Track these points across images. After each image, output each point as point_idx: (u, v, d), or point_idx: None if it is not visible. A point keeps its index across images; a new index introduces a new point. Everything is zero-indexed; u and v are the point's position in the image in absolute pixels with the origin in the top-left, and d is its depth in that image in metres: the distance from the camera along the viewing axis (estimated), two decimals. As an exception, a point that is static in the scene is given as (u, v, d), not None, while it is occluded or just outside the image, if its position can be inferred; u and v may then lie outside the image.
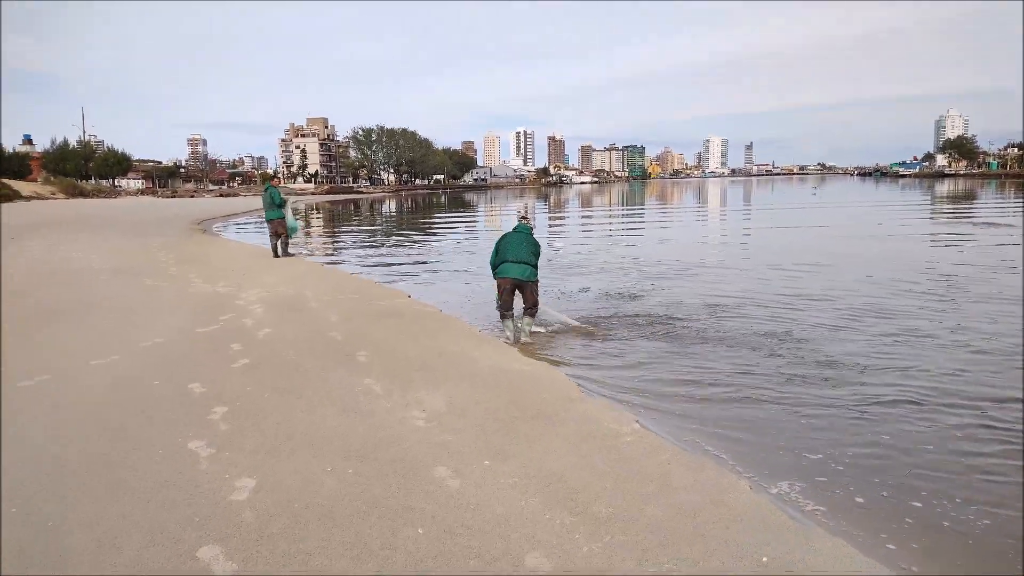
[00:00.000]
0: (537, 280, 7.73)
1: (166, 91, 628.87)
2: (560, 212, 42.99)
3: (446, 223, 32.86)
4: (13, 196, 57.95)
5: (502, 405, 4.69)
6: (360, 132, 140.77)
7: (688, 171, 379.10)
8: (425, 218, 38.40)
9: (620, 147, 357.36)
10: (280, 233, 14.85)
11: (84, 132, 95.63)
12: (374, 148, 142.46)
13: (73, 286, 10.25)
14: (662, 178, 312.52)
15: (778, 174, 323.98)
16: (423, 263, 15.13)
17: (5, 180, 64.81)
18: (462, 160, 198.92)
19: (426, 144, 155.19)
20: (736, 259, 14.21)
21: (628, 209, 43.68)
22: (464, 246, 19.50)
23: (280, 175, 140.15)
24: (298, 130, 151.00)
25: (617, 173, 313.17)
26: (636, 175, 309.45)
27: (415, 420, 4.41)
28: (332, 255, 17.81)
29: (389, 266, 14.79)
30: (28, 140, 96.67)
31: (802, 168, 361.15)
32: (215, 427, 4.32)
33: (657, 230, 24.09)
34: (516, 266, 7.66)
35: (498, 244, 7.67)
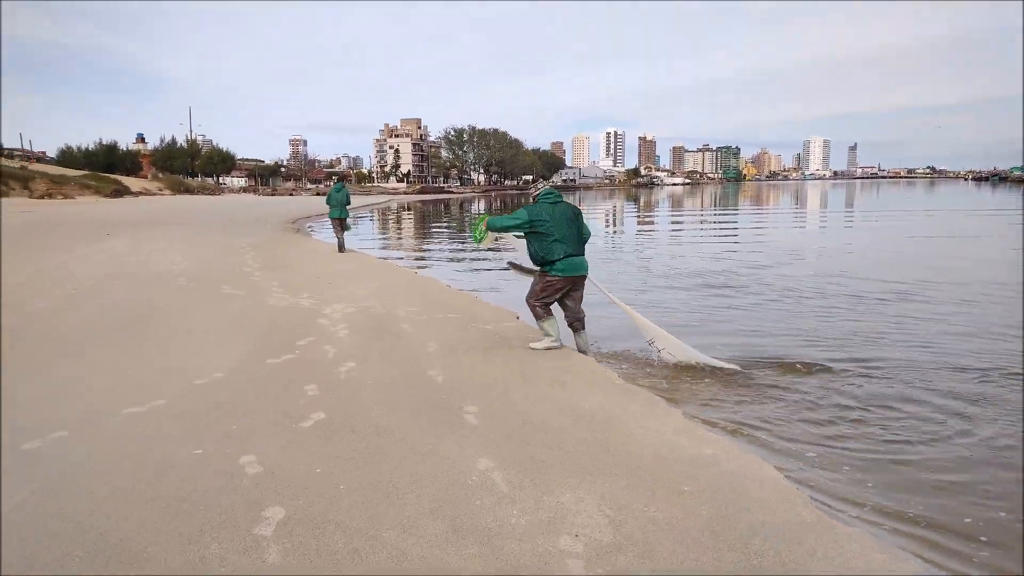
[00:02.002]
0: None
1: (271, 94, 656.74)
2: (651, 213, 40.68)
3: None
4: (124, 191, 60.59)
5: (698, 532, 2.99)
6: (452, 132, 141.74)
7: (786, 173, 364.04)
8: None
9: (714, 148, 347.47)
10: (343, 229, 15.92)
11: (191, 131, 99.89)
12: (465, 148, 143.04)
13: (138, 295, 9.22)
14: (757, 180, 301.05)
15: (884, 177, 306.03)
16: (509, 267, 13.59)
17: (117, 176, 68.12)
18: (551, 161, 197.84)
19: (516, 144, 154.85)
20: (874, 270, 11.93)
21: (723, 211, 40.80)
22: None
23: (374, 174, 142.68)
24: (392, 130, 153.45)
25: (710, 175, 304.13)
26: (730, 177, 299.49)
27: (567, 560, 2.78)
28: (422, 258, 16.52)
29: (477, 271, 13.30)
30: (140, 138, 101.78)
31: (910, 171, 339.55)
32: (262, 549, 2.83)
33: (768, 233, 21.67)
34: (580, 259, 6.27)
35: (535, 222, 6.14)
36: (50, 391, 5.00)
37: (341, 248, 15.80)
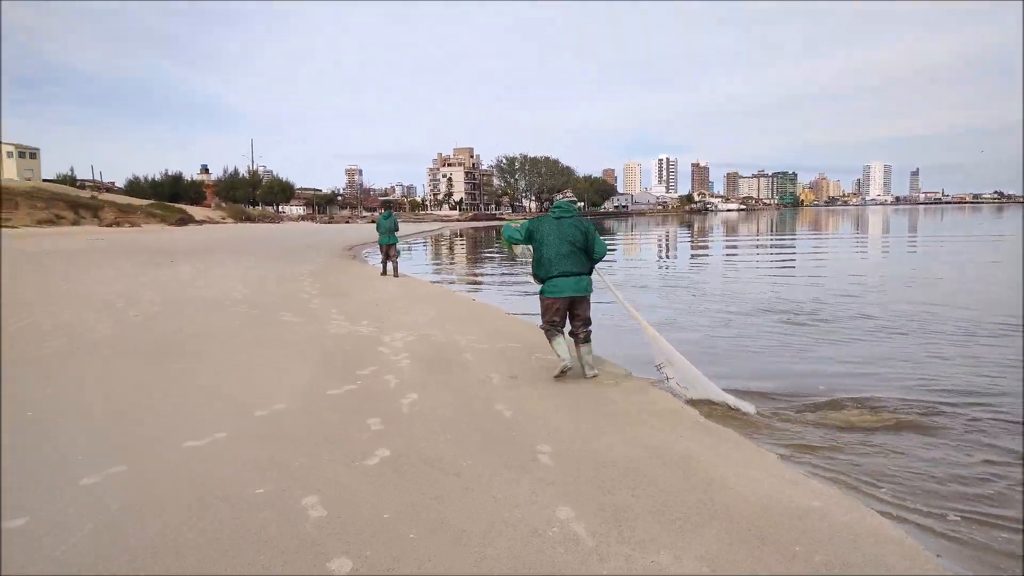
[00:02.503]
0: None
1: (329, 125, 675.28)
2: (704, 239, 39.79)
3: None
4: (188, 220, 62.64)
5: (820, 602, 2.60)
6: (504, 161, 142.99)
7: (845, 198, 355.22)
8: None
9: (769, 173, 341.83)
10: (392, 256, 16.42)
11: (253, 162, 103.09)
12: (516, 176, 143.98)
13: (200, 321, 9.21)
14: (816, 206, 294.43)
15: (948, 203, 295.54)
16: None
17: (182, 205, 70.55)
18: (602, 187, 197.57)
19: (567, 172, 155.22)
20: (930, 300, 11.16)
21: (788, 237, 39.62)
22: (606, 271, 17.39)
23: (428, 202, 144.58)
24: (445, 160, 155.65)
25: (766, 201, 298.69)
26: (787, 202, 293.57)
27: (672, 633, 2.43)
28: (476, 283, 16.32)
29: (533, 296, 12.97)
30: (204, 169, 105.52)
31: (976, 196, 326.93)
32: (329, 608, 2.56)
33: (844, 260, 20.79)
34: (571, 280, 5.97)
35: (533, 236, 6.11)
36: (111, 421, 4.88)
37: (385, 272, 16.52)
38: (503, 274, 19.99)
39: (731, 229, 58.37)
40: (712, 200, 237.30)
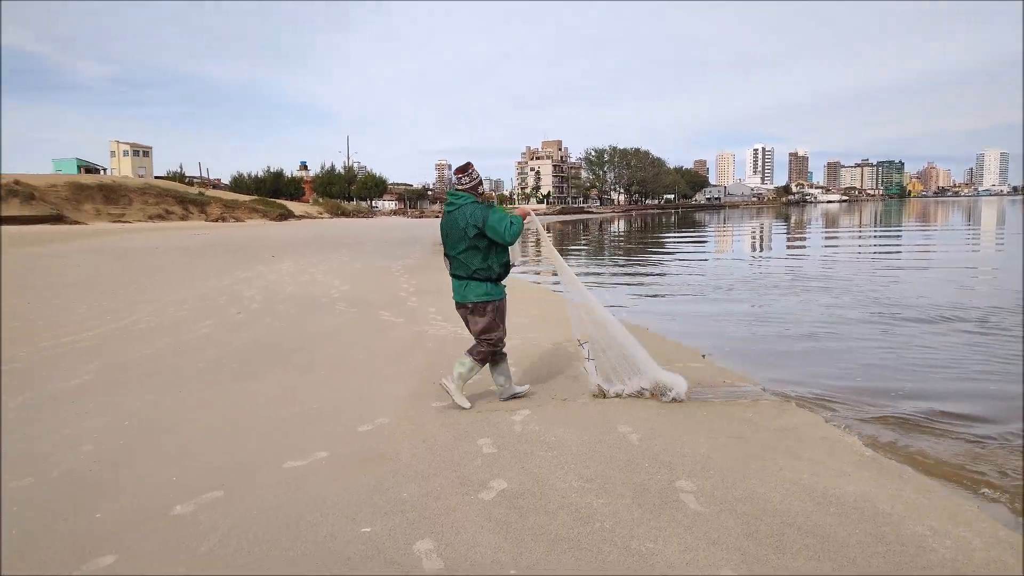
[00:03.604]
0: (499, 299, 5.10)
1: (420, 121, 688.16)
2: (801, 232, 37.54)
3: (682, 242, 29.67)
4: (288, 215, 64.82)
5: None
6: (592, 153, 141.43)
7: (956, 189, 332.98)
8: (657, 237, 35.41)
9: (873, 163, 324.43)
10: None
11: (348, 158, 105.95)
12: (605, 168, 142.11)
13: (299, 321, 9.03)
14: (924, 196, 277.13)
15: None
16: (658, 284, 12.42)
17: (282, 201, 73.15)
18: (694, 179, 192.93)
19: (658, 163, 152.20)
20: None
21: (894, 229, 36.84)
22: (700, 266, 16.36)
23: (515, 196, 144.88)
24: (533, 153, 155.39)
25: (869, 191, 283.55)
26: (892, 193, 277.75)
27: None
28: (557, 276, 15.72)
29: (639, 297, 12.26)
30: (303, 166, 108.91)
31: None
32: None
33: (958, 255, 18.88)
34: (457, 284, 5.06)
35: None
36: (208, 435, 4.60)
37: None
38: (600, 272, 19.30)
39: (832, 221, 55.28)
40: (811, 191, 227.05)
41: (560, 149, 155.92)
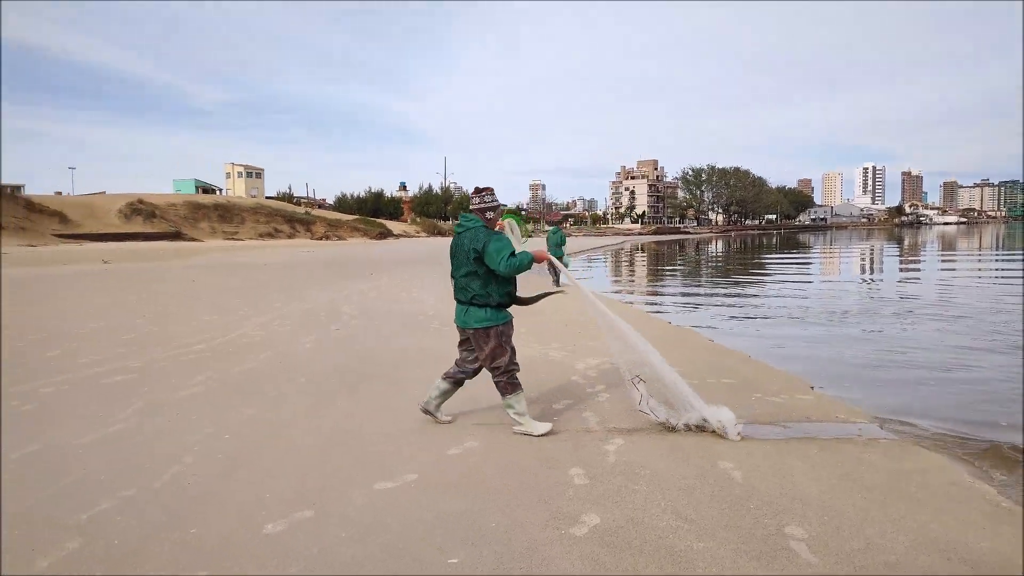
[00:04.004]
0: (499, 324, 4.88)
1: (514, 141, 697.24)
2: (915, 255, 35.14)
3: (785, 264, 28.40)
4: (387, 233, 66.89)
5: None
6: (690, 172, 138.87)
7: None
8: (757, 259, 34.09)
9: (995, 182, 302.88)
10: (556, 268, 16.12)
11: (445, 179, 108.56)
12: (703, 188, 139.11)
13: (395, 340, 9.13)
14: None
15: None
16: (759, 308, 11.80)
17: (382, 220, 75.58)
18: (798, 198, 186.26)
19: (759, 183, 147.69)
20: None
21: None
22: (804, 290, 15.47)
23: (609, 216, 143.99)
24: (628, 172, 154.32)
25: (990, 212, 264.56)
26: (1017, 214, 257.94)
27: None
28: (665, 304, 15.27)
29: (740, 320, 11.73)
30: (402, 186, 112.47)
31: None
32: None
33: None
34: (458, 308, 4.97)
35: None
36: (304, 452, 4.64)
37: (555, 284, 17.01)
38: (695, 294, 18.75)
39: (949, 244, 51.78)
40: (926, 212, 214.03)
41: (656, 168, 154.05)
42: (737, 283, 21.43)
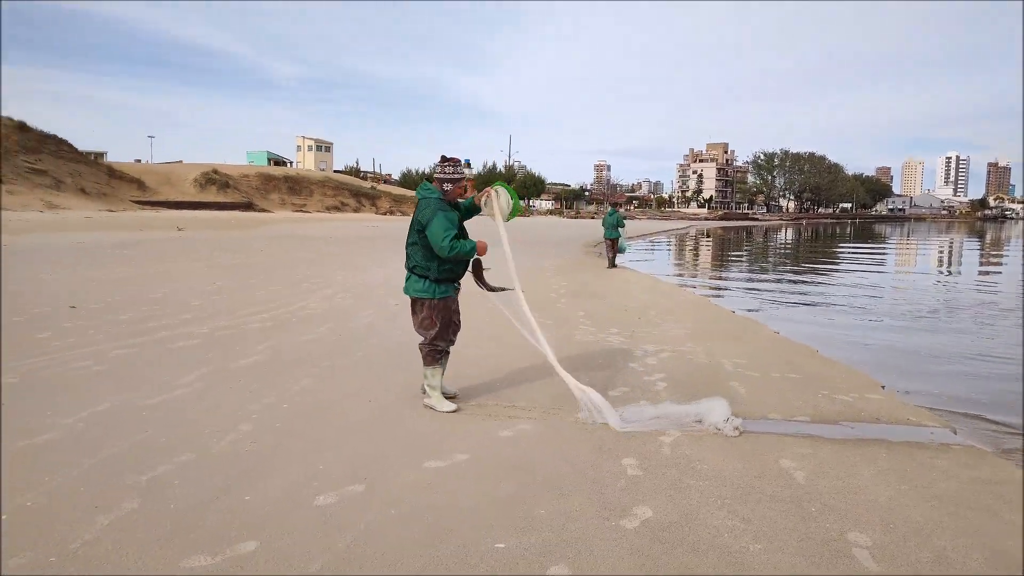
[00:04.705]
0: (435, 299, 4.91)
1: (581, 121, 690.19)
2: (999, 251, 33.19)
3: (859, 256, 27.31)
4: (449, 211, 67.35)
5: None
6: (761, 157, 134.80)
7: None
8: (830, 249, 32.86)
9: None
10: (614, 248, 18.24)
11: (509, 157, 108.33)
12: (775, 173, 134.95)
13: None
14: None
15: None
16: (829, 302, 11.32)
17: (445, 197, 76.10)
18: (875, 187, 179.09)
19: (835, 169, 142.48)
20: None
21: None
22: (878, 284, 14.77)
23: (675, 199, 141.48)
24: (697, 155, 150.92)
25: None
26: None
27: None
28: (730, 293, 14.86)
29: (809, 307, 11.31)
30: (467, 164, 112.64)
31: None
32: None
33: None
34: (406, 272, 5.03)
35: None
36: (356, 427, 4.68)
37: (611, 265, 18.28)
38: (762, 283, 18.22)
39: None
40: (1012, 206, 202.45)
41: (726, 151, 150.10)
42: (806, 274, 20.73)
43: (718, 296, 14.51)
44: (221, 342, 7.20)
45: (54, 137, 52.18)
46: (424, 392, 5.14)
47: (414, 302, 5.03)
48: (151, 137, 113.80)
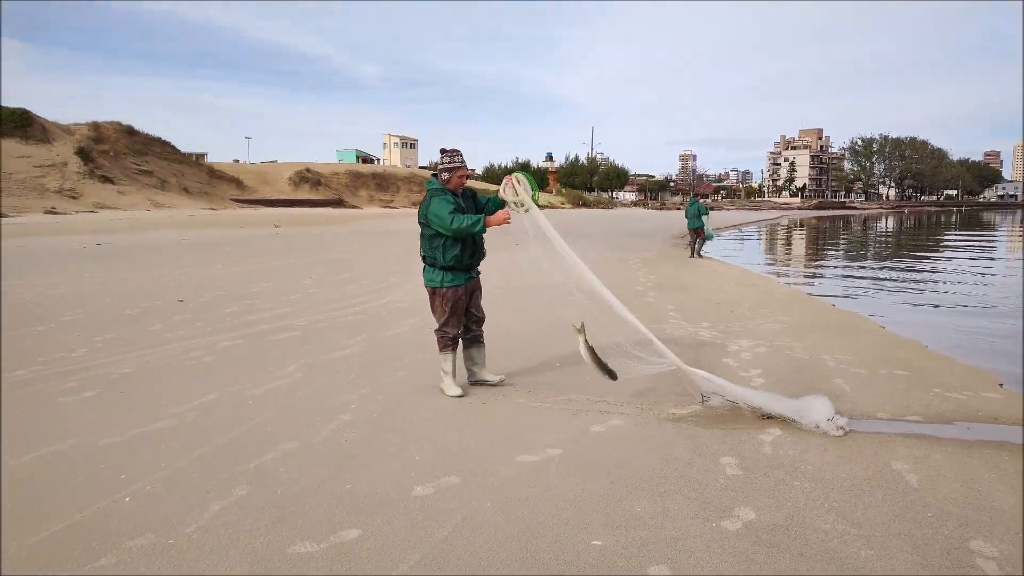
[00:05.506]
0: (443, 288, 5.06)
1: (665, 110, 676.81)
2: None
3: (967, 245, 25.57)
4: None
5: None
6: (859, 142, 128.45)
7: None
8: (936, 239, 30.94)
9: None
10: (699, 238, 18.38)
11: (592, 149, 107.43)
12: (873, 159, 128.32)
13: (536, 310, 9.13)
14: None
15: None
16: (938, 293, 10.60)
17: (528, 191, 76.21)
18: (983, 173, 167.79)
19: (938, 155, 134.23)
20: None
21: None
22: (990, 275, 13.73)
23: (766, 188, 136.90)
24: (788, 142, 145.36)
25: None
26: None
27: None
28: (827, 286, 14.20)
29: (916, 307, 10.67)
30: (549, 157, 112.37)
31: None
32: None
33: None
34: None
35: None
36: (450, 421, 4.74)
37: (693, 254, 18.34)
38: (863, 276, 17.37)
39: None
40: None
41: (820, 138, 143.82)
42: (911, 266, 19.62)
43: (814, 289, 13.92)
44: (318, 334, 7.45)
45: (159, 140, 55.47)
46: (477, 381, 5.44)
47: (428, 291, 5.23)
48: (248, 138, 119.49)
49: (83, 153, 45.36)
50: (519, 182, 5.09)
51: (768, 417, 4.68)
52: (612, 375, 4.92)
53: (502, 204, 5.15)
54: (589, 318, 5.16)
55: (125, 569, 2.79)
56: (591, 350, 4.95)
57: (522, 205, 5.06)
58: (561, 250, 5.19)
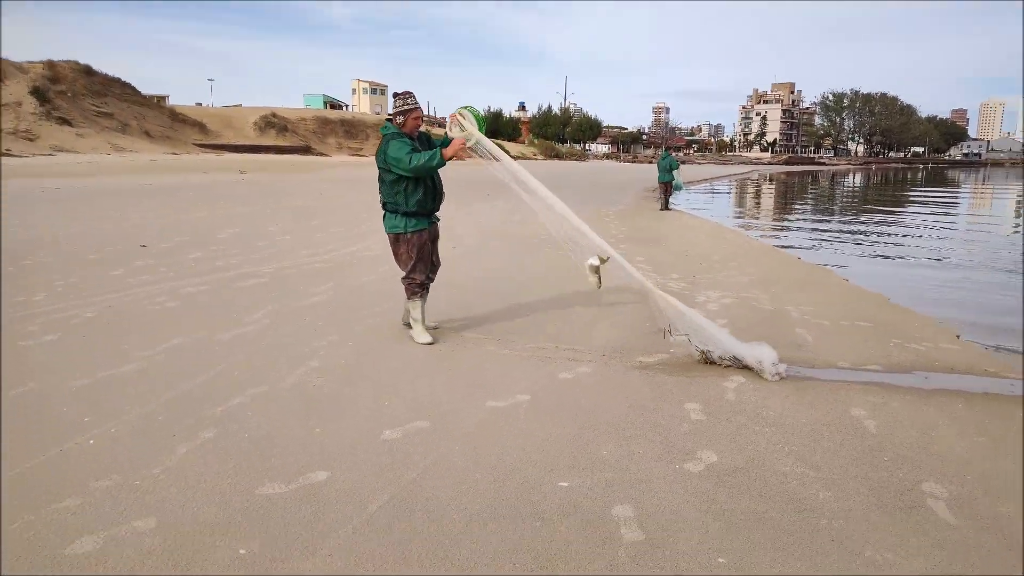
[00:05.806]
0: (407, 232, 5.01)
1: (639, 62, 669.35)
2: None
3: (931, 202, 26.06)
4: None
5: None
6: (830, 97, 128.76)
7: None
8: (900, 195, 31.45)
9: None
10: (668, 192, 18.91)
11: (565, 99, 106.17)
12: (844, 115, 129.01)
13: (511, 261, 9.12)
14: None
15: None
16: (899, 247, 10.86)
17: (500, 141, 75.28)
18: (950, 130, 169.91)
19: (907, 111, 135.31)
20: None
21: None
22: (951, 230, 14.07)
23: (736, 143, 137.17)
24: (761, 96, 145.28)
25: None
26: None
27: None
28: (794, 239, 14.39)
29: (875, 260, 10.90)
30: (521, 107, 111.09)
31: None
32: None
33: None
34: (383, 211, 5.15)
35: None
36: (420, 365, 4.75)
37: (663, 207, 18.77)
38: (829, 230, 17.62)
39: None
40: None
41: (792, 92, 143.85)
42: (876, 221, 19.95)
43: (782, 242, 14.10)
44: (286, 281, 7.36)
45: (118, 80, 53.34)
46: (408, 325, 5.34)
47: (389, 238, 5.14)
48: (211, 80, 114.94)
49: (39, 93, 43.49)
50: (464, 116, 5.05)
51: (729, 366, 4.76)
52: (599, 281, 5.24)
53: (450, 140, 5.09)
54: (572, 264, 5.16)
55: (89, 510, 2.77)
56: (597, 273, 5.22)
57: (472, 138, 5.00)
58: (528, 182, 5.20)
